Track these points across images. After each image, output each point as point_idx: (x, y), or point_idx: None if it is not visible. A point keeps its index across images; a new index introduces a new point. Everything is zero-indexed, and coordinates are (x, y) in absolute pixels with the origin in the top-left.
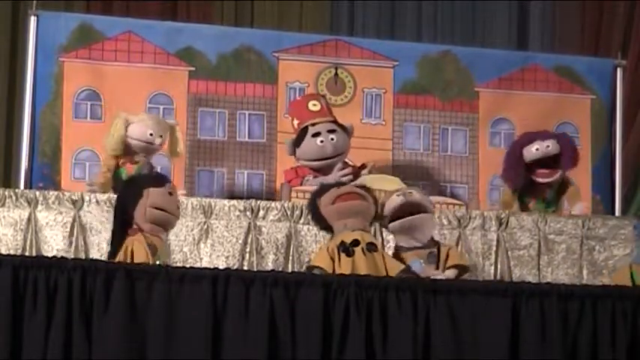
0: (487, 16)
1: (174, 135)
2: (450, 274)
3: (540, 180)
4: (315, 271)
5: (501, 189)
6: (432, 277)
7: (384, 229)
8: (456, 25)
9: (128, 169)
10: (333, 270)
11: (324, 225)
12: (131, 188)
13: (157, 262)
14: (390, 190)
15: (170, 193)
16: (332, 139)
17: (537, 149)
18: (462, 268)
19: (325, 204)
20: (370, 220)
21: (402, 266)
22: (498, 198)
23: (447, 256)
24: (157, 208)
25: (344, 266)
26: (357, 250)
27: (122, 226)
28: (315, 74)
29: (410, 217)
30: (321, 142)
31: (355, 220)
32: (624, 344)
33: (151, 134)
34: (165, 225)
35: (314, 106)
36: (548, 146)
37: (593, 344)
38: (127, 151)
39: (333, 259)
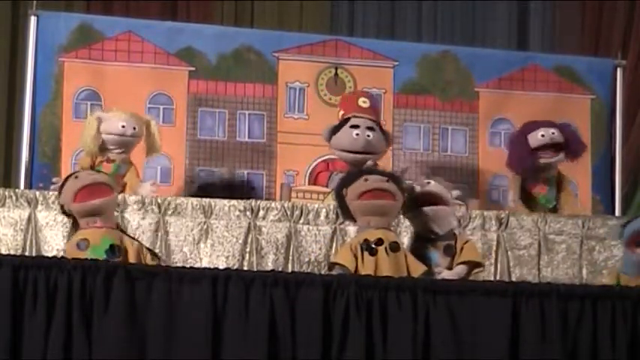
0: (487, 16)
1: (150, 130)
2: (460, 270)
3: (544, 160)
4: (336, 269)
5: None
6: (439, 276)
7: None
8: (456, 25)
9: (105, 168)
10: (356, 269)
11: (348, 215)
12: None
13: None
14: None
15: None
16: (368, 135)
17: (543, 135)
18: (473, 264)
19: (351, 198)
20: (395, 218)
21: (426, 268)
22: (498, 198)
23: (462, 250)
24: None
25: (367, 265)
26: (381, 249)
27: None
28: (315, 74)
29: (427, 208)
30: (357, 134)
31: (380, 218)
32: (624, 344)
33: (123, 126)
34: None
35: (364, 102)
36: (553, 133)
37: (593, 344)
38: (102, 149)
39: (356, 257)
